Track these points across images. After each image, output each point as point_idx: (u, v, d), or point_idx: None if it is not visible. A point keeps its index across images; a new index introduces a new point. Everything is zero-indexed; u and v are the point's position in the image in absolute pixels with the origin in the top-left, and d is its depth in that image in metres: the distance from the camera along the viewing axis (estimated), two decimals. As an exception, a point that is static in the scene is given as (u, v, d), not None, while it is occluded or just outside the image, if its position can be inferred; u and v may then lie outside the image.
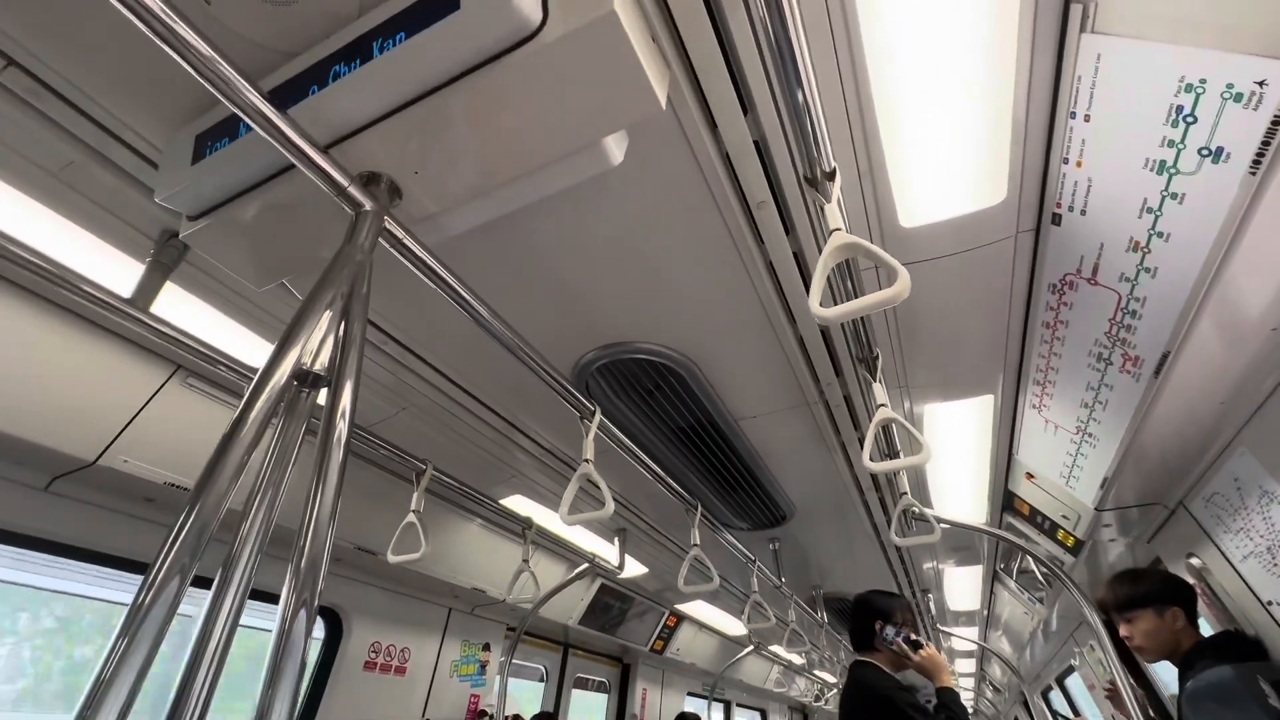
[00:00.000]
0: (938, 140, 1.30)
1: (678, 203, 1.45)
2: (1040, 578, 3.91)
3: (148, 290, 1.47)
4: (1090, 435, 1.97)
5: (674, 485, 2.39)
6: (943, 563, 4.38)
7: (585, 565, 3.28)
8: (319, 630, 2.94)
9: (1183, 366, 1.52)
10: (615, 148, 1.13)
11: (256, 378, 0.83)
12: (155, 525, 2.23)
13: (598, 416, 1.74)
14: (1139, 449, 1.92)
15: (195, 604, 0.71)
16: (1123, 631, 1.96)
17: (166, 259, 1.50)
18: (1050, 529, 2.78)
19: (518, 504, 2.95)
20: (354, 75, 1.00)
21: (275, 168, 1.13)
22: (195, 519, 0.71)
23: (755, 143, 1.33)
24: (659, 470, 2.23)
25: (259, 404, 0.81)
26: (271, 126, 0.93)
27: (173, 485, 2.01)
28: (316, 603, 0.77)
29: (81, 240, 1.48)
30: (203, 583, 0.68)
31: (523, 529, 2.78)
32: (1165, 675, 3.41)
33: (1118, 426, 1.81)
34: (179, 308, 1.65)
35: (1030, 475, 2.58)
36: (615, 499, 2.99)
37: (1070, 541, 2.72)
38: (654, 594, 4.56)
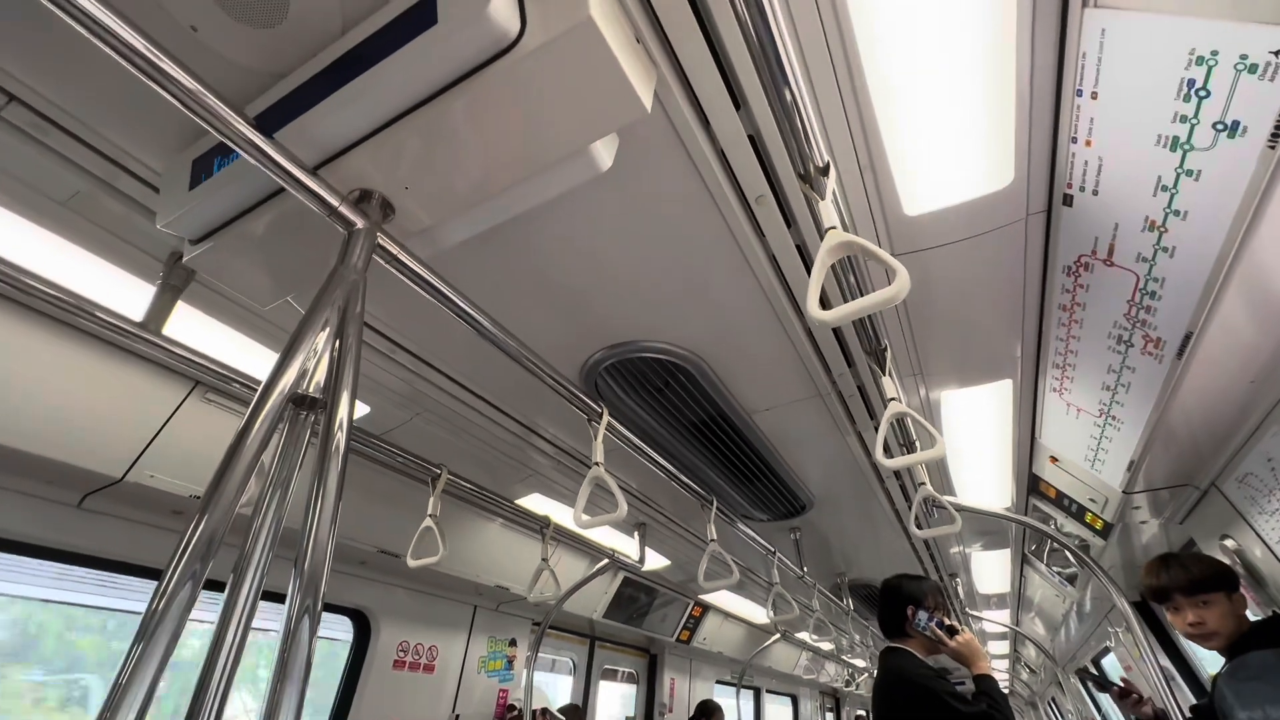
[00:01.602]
0: (939, 127, 1.26)
1: (674, 200, 1.43)
2: (1070, 559, 3.84)
3: (159, 312, 1.50)
4: (1114, 418, 1.91)
5: (688, 481, 2.38)
6: (969, 547, 4.31)
7: (605, 560, 3.30)
8: (347, 632, 3.01)
9: (1208, 346, 1.46)
10: (604, 152, 1.12)
11: (254, 401, 0.85)
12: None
13: (605, 418, 1.73)
14: (1166, 430, 1.86)
15: (210, 609, 0.75)
16: (1191, 617, 1.79)
17: (176, 280, 1.53)
18: (1078, 512, 2.72)
19: (535, 503, 2.97)
20: (339, 94, 1.01)
21: (270, 189, 1.14)
22: (204, 528, 0.74)
23: (750, 137, 1.30)
24: (671, 468, 2.22)
25: (257, 425, 0.83)
26: (258, 152, 0.94)
27: (197, 497, 2.06)
28: (320, 605, 0.80)
29: (93, 266, 1.52)
30: (217, 587, 0.71)
31: (541, 528, 2.80)
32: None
33: (1142, 409, 1.75)
34: (192, 325, 1.69)
35: (1054, 458, 2.52)
36: (634, 494, 3.02)
37: (1099, 524, 2.65)
38: (678, 585, 4.58)
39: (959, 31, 1.11)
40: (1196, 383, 1.60)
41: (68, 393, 1.72)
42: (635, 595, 4.37)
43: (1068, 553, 2.71)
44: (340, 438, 0.87)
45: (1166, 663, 3.46)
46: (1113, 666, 4.96)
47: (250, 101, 1.15)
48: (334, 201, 1.02)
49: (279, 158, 0.96)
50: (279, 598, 0.84)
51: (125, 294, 1.56)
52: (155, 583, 0.71)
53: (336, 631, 3.00)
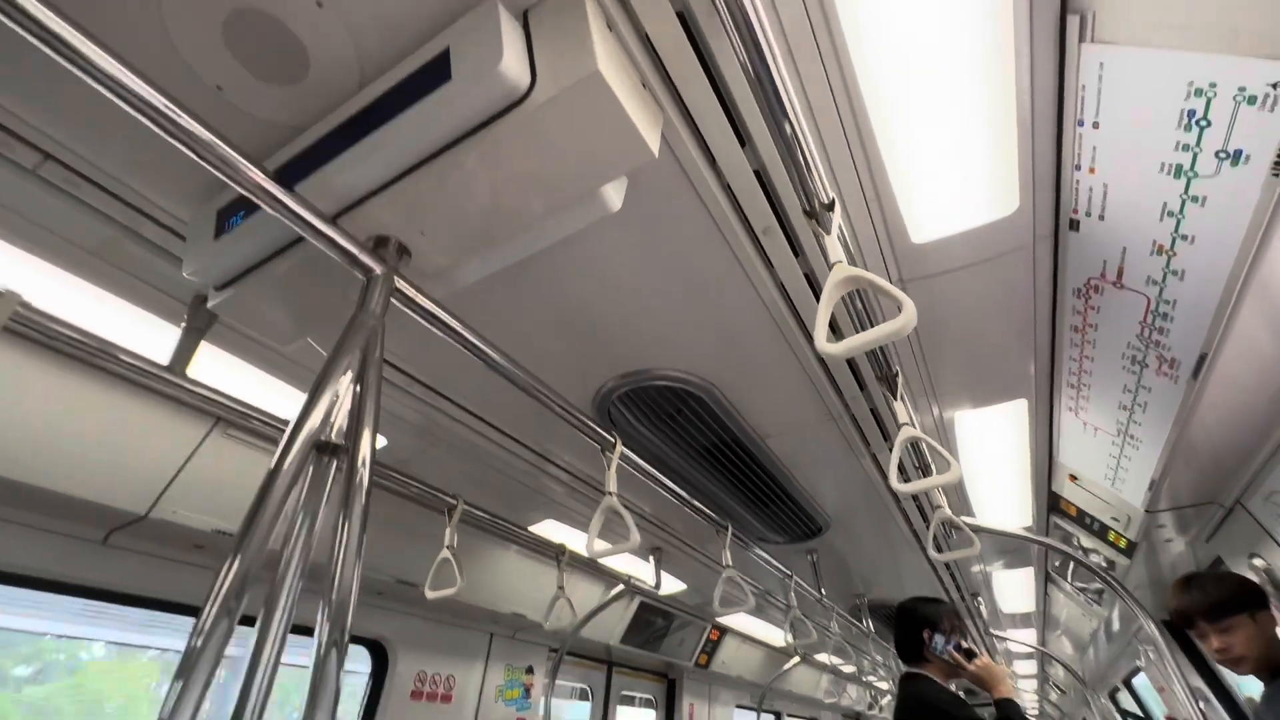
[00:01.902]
0: (943, 158, 1.28)
1: (682, 233, 1.46)
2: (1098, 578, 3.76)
3: (184, 353, 1.54)
4: (1132, 437, 1.89)
5: (702, 506, 2.37)
6: (990, 565, 4.24)
7: (621, 586, 3.29)
8: (365, 664, 3.01)
9: (1225, 366, 1.45)
10: (613, 194, 1.15)
11: (281, 446, 0.88)
12: (206, 570, 2.32)
13: (618, 448, 1.74)
14: (1187, 449, 1.84)
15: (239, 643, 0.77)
16: (1216, 643, 1.72)
17: (200, 322, 1.57)
18: (1100, 530, 2.68)
19: (550, 530, 2.97)
20: (358, 147, 1.04)
21: (291, 237, 1.18)
22: (238, 567, 0.77)
23: (755, 172, 1.33)
24: (684, 494, 2.22)
25: (285, 469, 0.86)
26: (280, 204, 0.98)
27: (220, 532, 2.09)
28: (348, 636, 0.82)
29: (121, 310, 1.57)
30: (245, 621, 0.75)
31: (556, 555, 2.80)
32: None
33: (1160, 428, 1.74)
34: (214, 363, 1.73)
35: (1073, 476, 2.49)
36: (648, 518, 3.01)
37: (1122, 543, 2.61)
38: (695, 609, 4.53)
39: (957, 68, 1.14)
40: (1216, 402, 1.58)
41: (95, 432, 1.76)
42: (652, 619, 4.33)
43: (1093, 573, 2.66)
44: (363, 474, 0.90)
45: (1199, 683, 3.36)
46: (1144, 687, 4.82)
47: (272, 154, 1.20)
48: (353, 249, 1.05)
49: (300, 209, 1.00)
50: (304, 631, 0.88)
51: (150, 335, 1.61)
52: (173, 615, 0.74)
53: (353, 663, 3.00)
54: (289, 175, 1.13)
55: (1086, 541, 2.89)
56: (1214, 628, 1.72)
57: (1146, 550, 2.66)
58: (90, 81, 0.79)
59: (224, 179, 0.93)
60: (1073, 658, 6.04)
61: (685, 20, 1.06)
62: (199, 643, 0.72)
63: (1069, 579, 4.02)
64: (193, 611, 2.35)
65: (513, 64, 0.92)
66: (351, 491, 0.89)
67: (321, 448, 0.92)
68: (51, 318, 1.32)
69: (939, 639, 2.15)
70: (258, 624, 0.83)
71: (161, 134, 0.87)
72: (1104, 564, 2.95)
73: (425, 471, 2.26)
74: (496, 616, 3.29)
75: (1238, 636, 1.69)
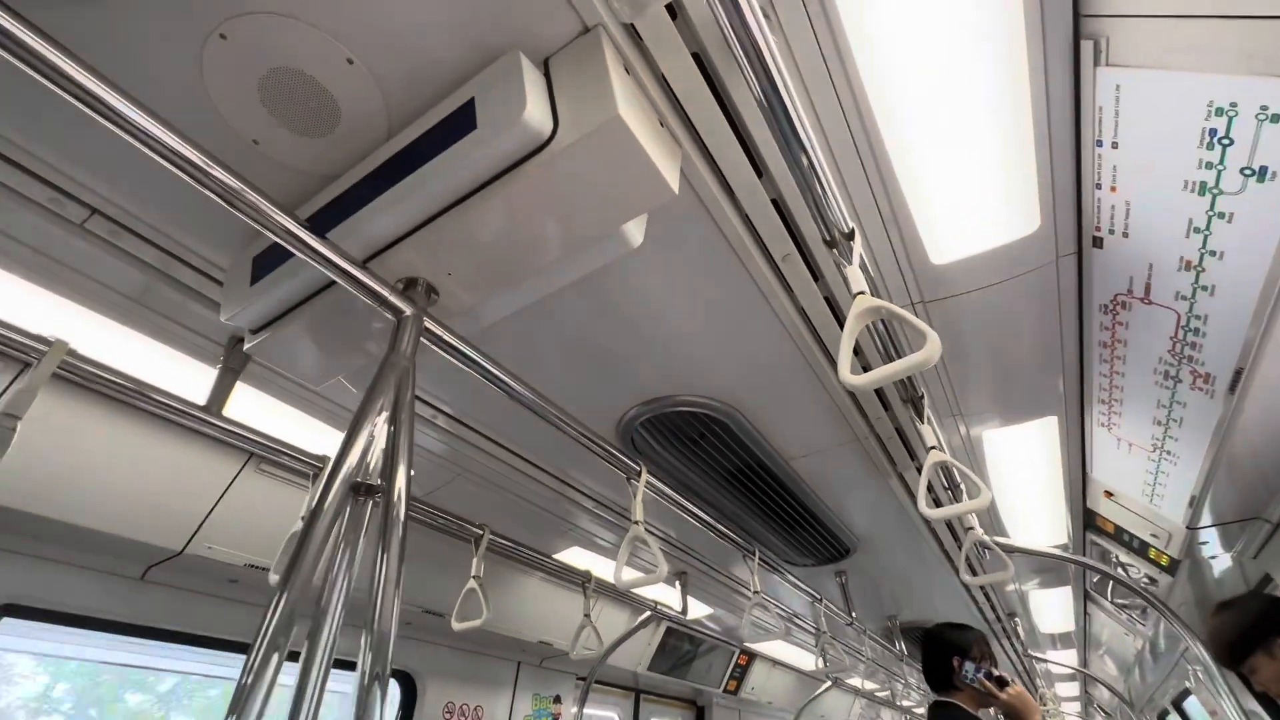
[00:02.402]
0: (960, 181, 1.28)
1: (702, 262, 1.47)
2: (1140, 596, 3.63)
3: (220, 393, 1.59)
4: (1169, 453, 1.85)
5: (728, 530, 2.36)
6: (1026, 584, 4.12)
7: (647, 613, 3.26)
8: (394, 695, 3.00)
9: (1265, 380, 1.42)
10: (635, 231, 1.17)
11: (320, 487, 0.90)
12: (240, 604, 2.35)
13: (644, 476, 1.75)
14: (1228, 464, 1.79)
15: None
16: (1255, 685, 1.69)
17: (235, 363, 1.62)
18: (1140, 548, 2.60)
19: (576, 557, 2.96)
20: (387, 195, 1.08)
21: (324, 281, 1.21)
22: (284, 605, 0.79)
23: (773, 201, 1.34)
24: (710, 519, 2.21)
25: (325, 509, 0.88)
26: (313, 250, 1.01)
27: (252, 566, 2.12)
28: (389, 669, 0.83)
29: (160, 353, 1.62)
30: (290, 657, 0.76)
31: (582, 582, 2.79)
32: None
33: (1198, 444, 1.69)
34: (248, 402, 1.78)
35: (1109, 493, 2.43)
36: (673, 543, 2.99)
37: (1164, 560, 2.53)
38: (722, 633, 4.47)
39: (971, 92, 1.15)
40: (1257, 416, 1.54)
41: (134, 472, 1.81)
42: (679, 645, 4.27)
43: (1134, 592, 2.58)
44: (399, 510, 0.92)
45: (1254, 705, 3.21)
46: (1196, 710, 4.61)
47: (305, 202, 1.24)
48: (383, 292, 1.08)
49: (332, 255, 1.03)
50: (341, 664, 0.89)
51: (187, 377, 1.66)
52: (212, 651, 0.76)
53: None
54: (321, 222, 1.17)
55: (1126, 559, 2.80)
56: (1243, 669, 1.66)
57: (1190, 567, 2.57)
58: (134, 143, 0.84)
59: (259, 228, 0.97)
60: (1117, 679, 5.81)
61: (700, 59, 1.09)
62: (249, 680, 0.73)
63: (1109, 597, 3.89)
64: (227, 645, 2.38)
65: (536, 112, 0.95)
66: (389, 528, 0.91)
67: (358, 489, 0.94)
68: (95, 363, 1.37)
69: (969, 666, 2.09)
70: (302, 658, 0.85)
71: (198, 187, 0.91)
72: (1145, 581, 2.86)
73: (450, 502, 2.28)
74: (523, 645, 3.28)
75: (1262, 675, 1.63)
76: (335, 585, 0.93)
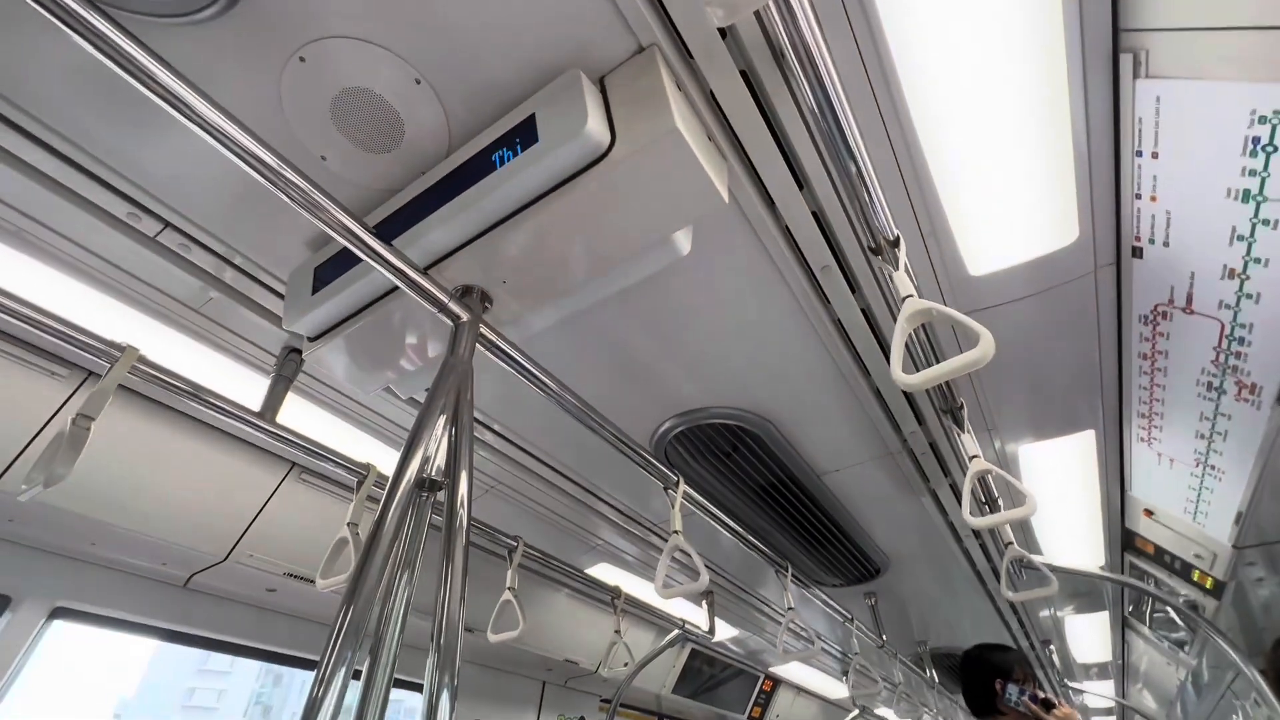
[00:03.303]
0: (998, 193, 1.31)
1: (741, 274, 1.51)
2: (1179, 622, 3.51)
3: (273, 401, 1.64)
4: (1213, 468, 1.82)
5: (761, 546, 2.35)
6: (1061, 610, 4.01)
7: (676, 632, 3.22)
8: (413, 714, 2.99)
9: (1311, 389, 1.40)
10: (683, 239, 1.21)
11: (386, 491, 0.93)
12: (277, 614, 2.39)
13: (682, 486, 1.76)
14: (1276, 479, 1.75)
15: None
16: None
17: (288, 372, 1.68)
18: (1183, 570, 2.53)
19: (604, 573, 2.96)
20: (448, 207, 1.13)
21: (381, 290, 1.27)
22: (352, 615, 0.79)
23: (814, 214, 1.38)
24: (742, 532, 2.21)
25: (392, 511, 0.90)
26: (379, 258, 1.06)
27: (291, 575, 2.16)
28: (457, 680, 0.84)
29: (215, 363, 1.69)
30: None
31: (612, 598, 2.78)
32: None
33: (1244, 458, 1.67)
34: (294, 413, 1.83)
35: (1149, 512, 2.38)
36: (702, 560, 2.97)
37: (1209, 583, 2.46)
38: (746, 657, 4.39)
39: (1010, 104, 1.18)
40: (1304, 428, 1.52)
41: (184, 479, 1.86)
42: (703, 668, 4.21)
43: (1175, 614, 2.50)
44: (463, 515, 0.94)
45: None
46: (1244, 747, 4.40)
47: (366, 215, 1.30)
48: (444, 299, 1.13)
49: (397, 261, 1.08)
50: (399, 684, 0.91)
51: (240, 385, 1.72)
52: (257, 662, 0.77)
53: (399, 714, 2.99)
54: (383, 233, 1.22)
55: (1167, 582, 2.73)
56: None
57: (1236, 590, 2.49)
58: (220, 148, 0.89)
59: (330, 232, 1.02)
60: (1158, 713, 5.57)
61: (747, 76, 1.13)
62: (319, 693, 0.74)
63: (1149, 624, 3.77)
64: (264, 654, 2.40)
65: (596, 124, 1.00)
66: (453, 532, 0.93)
67: (421, 484, 0.97)
68: (162, 369, 1.43)
69: (1012, 689, 2.04)
70: (364, 675, 0.86)
71: (278, 193, 0.96)
72: (1188, 607, 2.77)
73: (481, 515, 2.31)
74: (549, 664, 3.26)
75: None
76: (397, 597, 0.94)
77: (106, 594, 2.02)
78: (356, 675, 0.88)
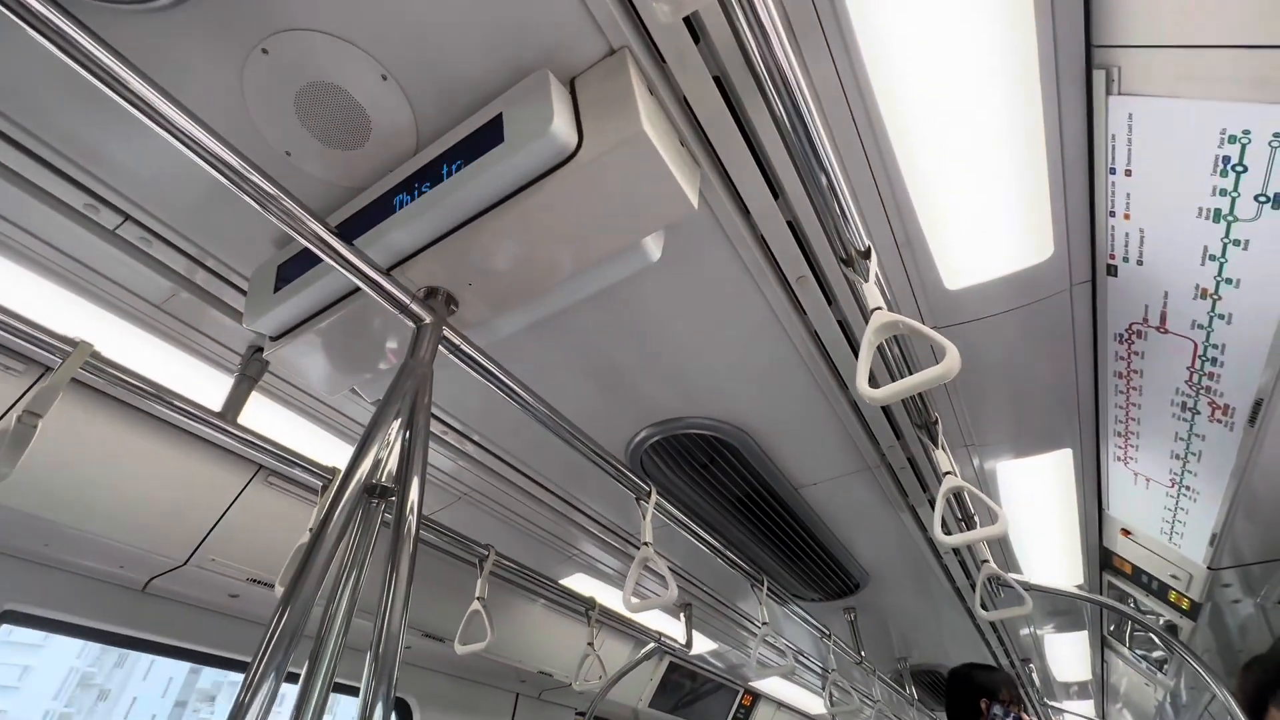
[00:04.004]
0: (973, 206, 1.30)
1: (716, 283, 1.49)
2: (1158, 642, 3.50)
3: (235, 402, 1.60)
4: (1188, 488, 1.81)
5: (736, 559, 2.32)
6: (1041, 628, 4.00)
7: (652, 644, 3.17)
8: (390, 722, 2.92)
9: (1283, 412, 1.40)
10: (653, 246, 1.19)
11: (333, 492, 0.90)
12: (238, 620, 2.32)
13: (654, 497, 1.73)
14: (1250, 501, 1.75)
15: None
16: None
17: (252, 371, 1.63)
18: (1160, 590, 2.52)
19: (579, 583, 2.91)
20: (413, 206, 1.11)
21: (345, 290, 1.24)
22: (287, 620, 0.76)
23: (789, 223, 1.36)
24: (718, 545, 2.17)
25: (337, 514, 0.87)
26: (339, 256, 1.03)
27: (254, 580, 2.10)
28: (393, 692, 0.81)
29: (178, 360, 1.65)
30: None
31: (586, 610, 2.73)
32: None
33: (1218, 479, 1.66)
34: (259, 413, 1.79)
35: (1126, 531, 2.38)
36: (678, 572, 2.94)
37: (1185, 604, 2.45)
38: (726, 671, 4.34)
39: (985, 120, 1.17)
40: (1279, 449, 1.52)
41: (142, 480, 1.81)
42: (681, 682, 4.15)
43: (1153, 635, 2.50)
44: (411, 521, 0.91)
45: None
46: (1222, 769, 4.39)
47: (331, 213, 1.27)
48: (405, 300, 1.10)
49: (358, 261, 1.05)
50: (341, 689, 0.87)
51: (203, 384, 1.68)
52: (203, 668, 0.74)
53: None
54: (347, 231, 1.20)
55: (1145, 602, 2.72)
56: None
57: (1212, 611, 2.49)
58: (178, 145, 0.86)
59: (289, 231, 0.99)
60: (1137, 734, 5.57)
61: (721, 83, 1.12)
62: (246, 698, 0.70)
63: (1128, 644, 3.76)
64: (225, 662, 2.34)
65: (562, 125, 0.98)
66: (400, 537, 0.90)
67: (371, 490, 0.94)
68: (118, 366, 1.39)
69: (998, 709, 2.03)
70: (301, 678, 0.82)
71: (236, 191, 0.93)
72: (1166, 627, 2.77)
73: (453, 524, 2.26)
74: (522, 675, 3.20)
75: None
76: (340, 600, 0.91)
77: (59, 597, 1.95)
78: (295, 679, 0.85)
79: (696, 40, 1.05)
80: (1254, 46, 0.86)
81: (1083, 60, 1.05)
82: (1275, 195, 0.99)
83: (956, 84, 1.12)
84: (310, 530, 1.63)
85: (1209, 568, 2.08)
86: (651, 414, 1.95)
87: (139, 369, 1.50)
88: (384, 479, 0.98)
